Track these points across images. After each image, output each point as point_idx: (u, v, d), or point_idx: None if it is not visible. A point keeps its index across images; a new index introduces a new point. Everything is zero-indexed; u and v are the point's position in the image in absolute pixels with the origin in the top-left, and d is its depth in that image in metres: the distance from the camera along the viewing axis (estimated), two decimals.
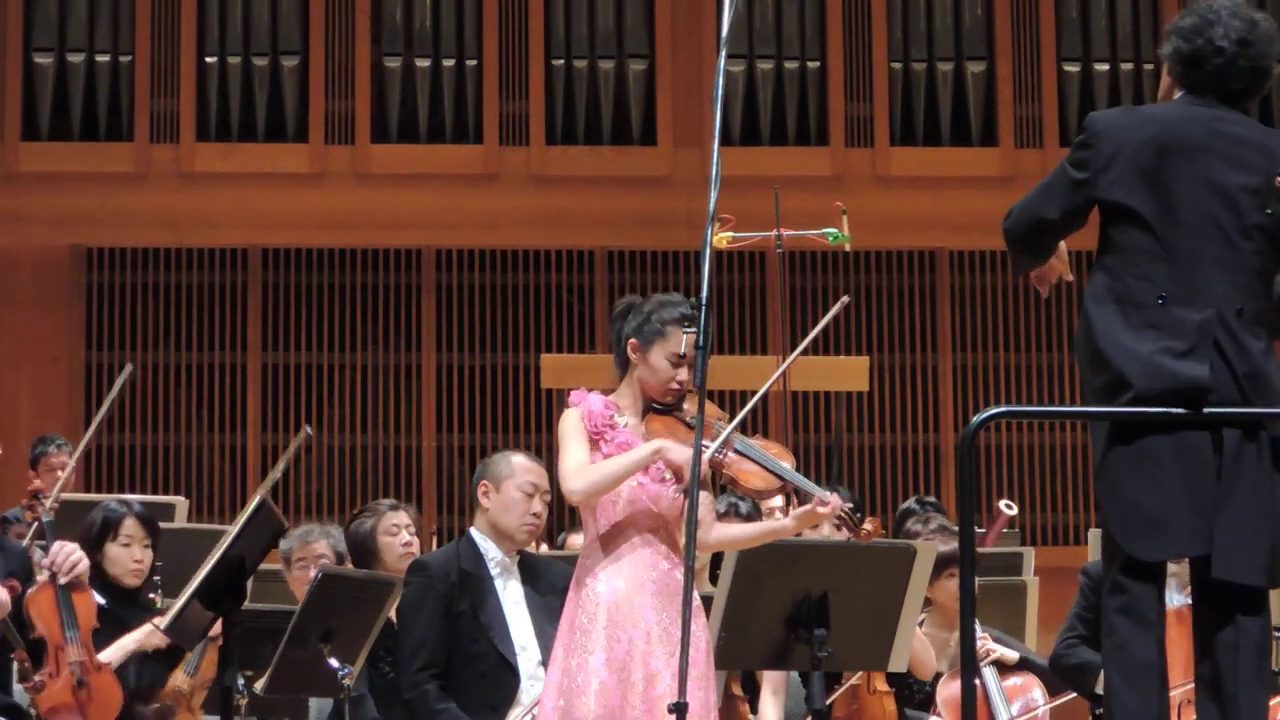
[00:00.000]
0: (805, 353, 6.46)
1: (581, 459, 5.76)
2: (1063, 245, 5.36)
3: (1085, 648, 7.03)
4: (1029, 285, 5.71)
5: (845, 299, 6.45)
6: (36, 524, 7.59)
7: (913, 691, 7.45)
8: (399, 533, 7.92)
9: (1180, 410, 4.99)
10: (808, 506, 5.75)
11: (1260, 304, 5.16)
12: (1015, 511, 9.72)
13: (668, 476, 5.78)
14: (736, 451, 5.85)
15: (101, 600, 7.29)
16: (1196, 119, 5.20)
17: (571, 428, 5.80)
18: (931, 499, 10.01)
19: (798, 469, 5.89)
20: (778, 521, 5.95)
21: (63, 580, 7.12)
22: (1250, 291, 5.14)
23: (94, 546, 7.47)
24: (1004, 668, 7.39)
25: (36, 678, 7.01)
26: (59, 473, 10.87)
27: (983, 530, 9.70)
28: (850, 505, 6.33)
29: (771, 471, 5.82)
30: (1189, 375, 5.02)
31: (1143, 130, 5.18)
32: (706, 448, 5.68)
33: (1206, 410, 4.99)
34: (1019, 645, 7.69)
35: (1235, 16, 5.27)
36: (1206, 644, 5.07)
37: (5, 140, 13.54)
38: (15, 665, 7.09)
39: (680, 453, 5.64)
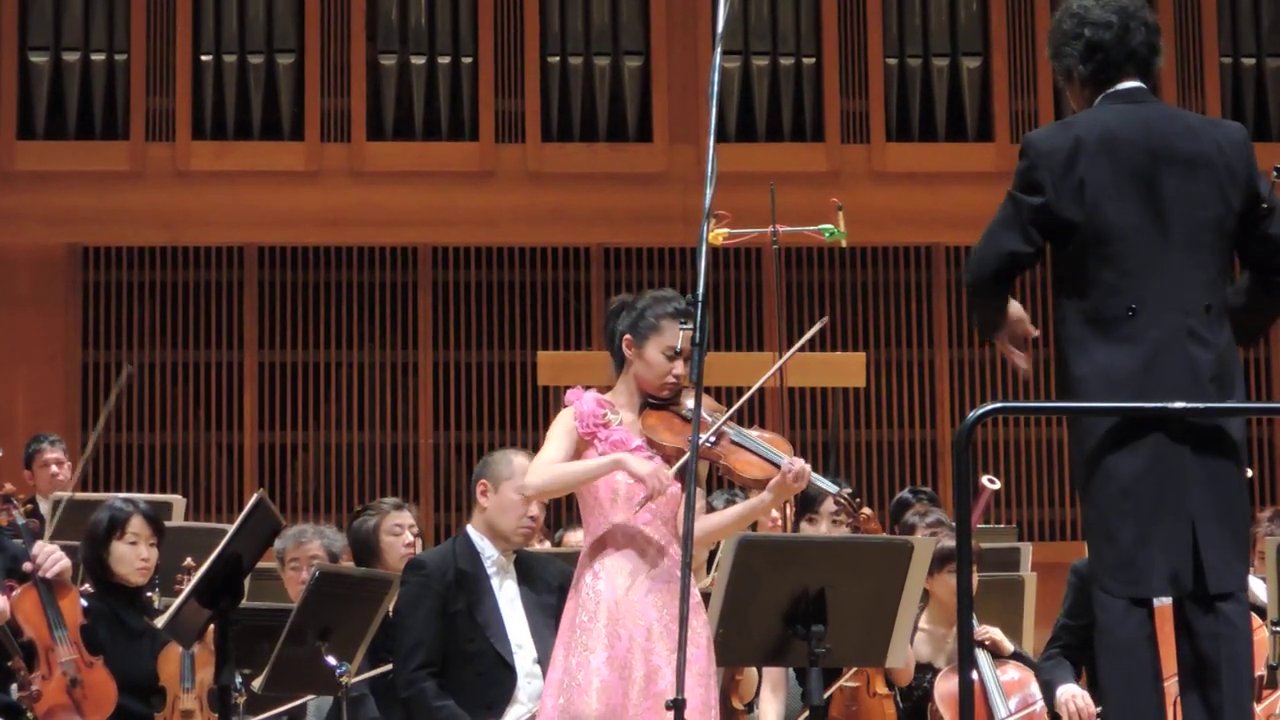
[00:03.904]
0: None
1: (551, 456, 5.80)
2: (1016, 305, 5.30)
3: (1061, 663, 7.08)
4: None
5: (824, 320, 6.45)
6: (12, 526, 7.58)
7: (911, 689, 7.45)
8: (402, 533, 7.91)
9: (1179, 405, 4.99)
10: (778, 477, 5.76)
11: (1223, 294, 5.17)
12: (998, 486, 9.73)
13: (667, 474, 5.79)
14: (732, 442, 5.85)
15: (84, 601, 7.29)
16: (1134, 121, 5.18)
17: (559, 427, 5.84)
18: (926, 489, 10.02)
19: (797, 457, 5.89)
20: (756, 499, 5.94)
21: (49, 574, 7.12)
22: (1214, 285, 5.14)
23: (100, 544, 7.47)
24: (1000, 660, 7.39)
25: (33, 687, 7.00)
26: (53, 468, 10.88)
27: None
28: (850, 491, 6.34)
29: (768, 460, 5.83)
30: (1162, 389, 5.02)
31: (1086, 142, 5.14)
32: (702, 440, 5.69)
33: (1188, 405, 4.99)
34: (1015, 647, 7.69)
35: None
36: (1190, 635, 5.08)
37: (1, 139, 13.53)
38: (16, 675, 7.08)
39: (639, 465, 5.67)
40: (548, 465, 5.79)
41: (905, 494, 9.70)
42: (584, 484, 5.80)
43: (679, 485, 5.73)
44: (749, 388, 6.04)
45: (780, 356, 9.19)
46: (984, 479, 9.69)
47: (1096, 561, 5.13)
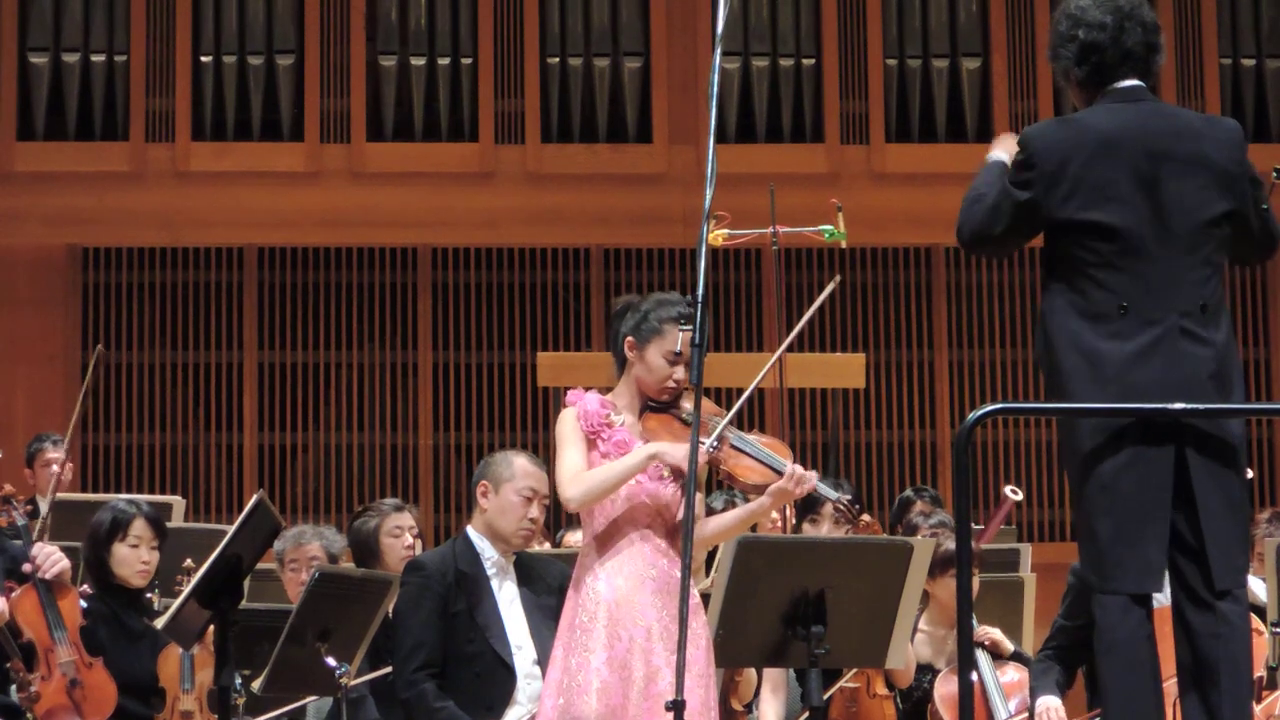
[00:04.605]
0: (799, 346, 6.45)
1: (577, 464, 5.77)
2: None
3: (1050, 669, 7.07)
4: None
5: (836, 279, 6.44)
6: (12, 527, 7.58)
7: (910, 690, 7.45)
8: (402, 535, 7.92)
9: (1178, 406, 4.99)
10: (780, 483, 5.77)
11: (1220, 292, 5.16)
12: (1020, 497, 9.73)
13: (665, 474, 5.79)
14: (733, 447, 5.86)
15: (84, 602, 7.29)
16: (1131, 120, 5.18)
17: (568, 430, 5.81)
18: (929, 488, 10.01)
19: (797, 463, 5.89)
20: (755, 503, 5.95)
21: (48, 575, 7.13)
22: (1211, 283, 5.14)
23: (102, 546, 7.47)
24: (1000, 661, 7.39)
25: (32, 688, 7.00)
26: (54, 468, 10.88)
27: (982, 527, 9.72)
28: (849, 498, 6.35)
29: (768, 466, 5.83)
30: (1154, 385, 5.03)
31: (1083, 141, 5.14)
32: (703, 444, 5.69)
33: (1187, 406, 4.99)
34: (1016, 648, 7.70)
35: None
36: (1189, 635, 5.08)
37: (0, 140, 13.53)
38: (15, 676, 7.08)
39: (676, 453, 5.66)
40: (580, 474, 5.76)
41: (908, 493, 9.70)
42: (624, 482, 5.74)
43: (679, 487, 5.74)
44: (754, 380, 6.04)
45: (779, 363, 9.21)
46: (1007, 489, 9.71)
47: (1082, 557, 5.15)
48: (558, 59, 13.85)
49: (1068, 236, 5.13)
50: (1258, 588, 7.68)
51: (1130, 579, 5.02)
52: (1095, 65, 5.27)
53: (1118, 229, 5.09)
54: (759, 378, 6.05)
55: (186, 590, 6.69)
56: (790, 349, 9.10)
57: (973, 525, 9.72)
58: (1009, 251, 5.36)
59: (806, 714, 6.33)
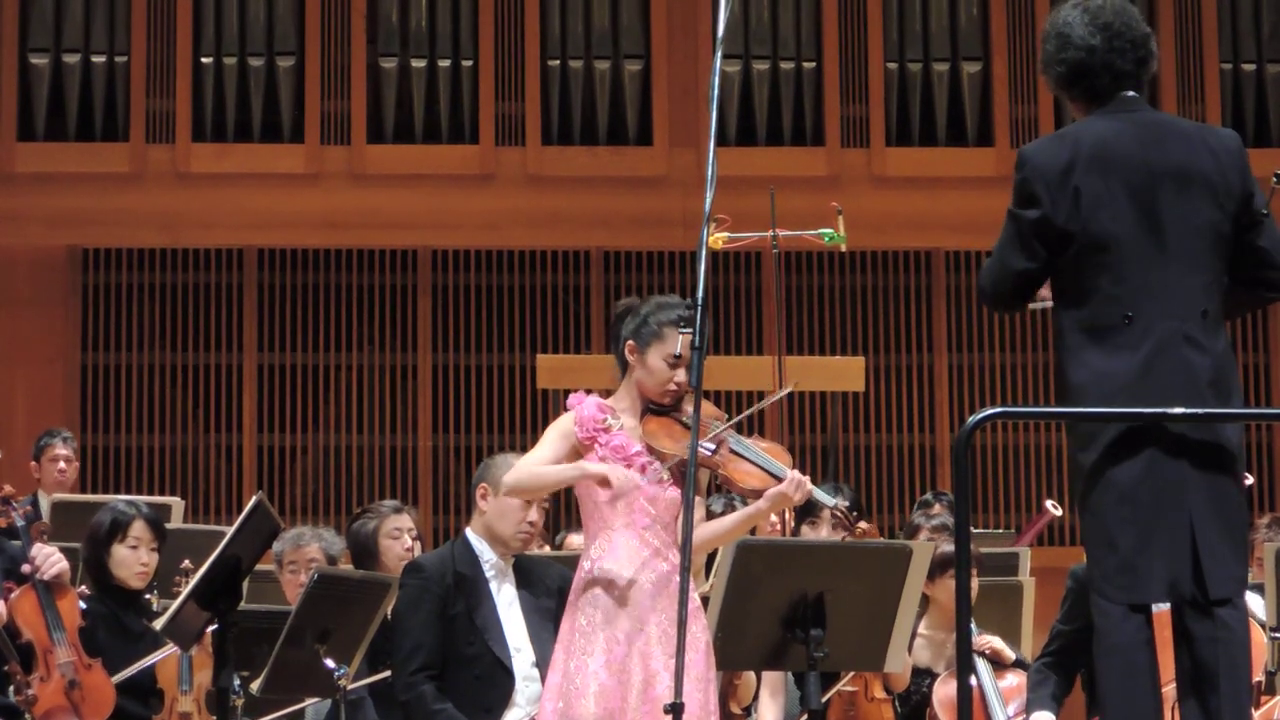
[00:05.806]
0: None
1: (538, 458, 5.89)
2: None
3: (1046, 680, 7.04)
4: None
5: (792, 385, 6.44)
6: (11, 528, 7.59)
7: (909, 693, 7.45)
8: (401, 536, 7.92)
9: (1178, 410, 5.00)
10: (779, 487, 5.79)
11: (1220, 299, 5.17)
12: (1060, 513, 9.71)
13: (664, 477, 5.79)
14: (732, 451, 5.86)
15: (83, 603, 7.28)
16: (1128, 130, 5.17)
17: (555, 430, 5.88)
18: (947, 493, 10.00)
19: (795, 469, 5.89)
20: (753, 506, 5.96)
21: (47, 576, 7.12)
22: (1212, 290, 5.13)
23: (101, 547, 7.47)
24: (1000, 666, 7.39)
25: (29, 691, 7.00)
26: (60, 464, 10.88)
27: (1008, 530, 9.72)
28: (848, 504, 6.35)
29: (767, 471, 5.84)
30: (1158, 399, 5.03)
31: (1079, 154, 5.13)
32: (702, 448, 5.71)
33: (1187, 411, 5.00)
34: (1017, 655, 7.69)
35: (1084, 13, 5.27)
36: (1188, 640, 5.08)
37: (1, 141, 13.53)
38: (12, 679, 7.07)
39: (597, 467, 5.72)
40: (525, 467, 5.88)
41: (928, 496, 9.69)
42: (551, 489, 6.08)
43: (678, 490, 5.74)
44: (754, 390, 6.05)
45: (778, 366, 9.24)
46: (1048, 503, 9.71)
47: (1095, 568, 5.13)
48: (558, 61, 13.86)
49: (1069, 249, 5.13)
50: (1256, 605, 7.65)
51: (1154, 589, 5.02)
52: (1086, 87, 5.27)
53: (1118, 239, 5.09)
54: (739, 417, 6.02)
55: (185, 591, 6.69)
56: (788, 351, 9.11)
57: (980, 529, 9.76)
58: (1032, 290, 5.27)
59: (805, 717, 6.33)
